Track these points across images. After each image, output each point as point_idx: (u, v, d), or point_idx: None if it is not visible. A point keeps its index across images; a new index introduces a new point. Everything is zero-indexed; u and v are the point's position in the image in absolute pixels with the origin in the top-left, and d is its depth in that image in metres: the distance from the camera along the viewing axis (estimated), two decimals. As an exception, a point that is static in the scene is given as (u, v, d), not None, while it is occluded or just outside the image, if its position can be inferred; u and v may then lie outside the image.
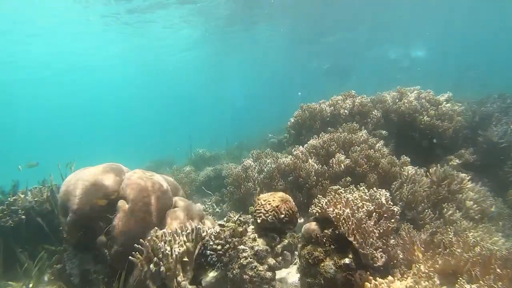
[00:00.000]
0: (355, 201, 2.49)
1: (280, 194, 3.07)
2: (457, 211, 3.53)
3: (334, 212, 2.40)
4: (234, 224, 3.39)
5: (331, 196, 2.65)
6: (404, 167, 4.09)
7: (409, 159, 4.25)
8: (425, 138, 4.79)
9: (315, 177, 4.23)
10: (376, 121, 5.12)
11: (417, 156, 4.63)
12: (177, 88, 42.49)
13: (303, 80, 35.69)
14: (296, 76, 36.34)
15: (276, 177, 4.90)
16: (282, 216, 2.90)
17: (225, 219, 3.81)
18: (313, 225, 2.55)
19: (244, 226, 3.43)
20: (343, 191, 2.73)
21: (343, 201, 2.53)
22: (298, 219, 3.35)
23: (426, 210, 3.49)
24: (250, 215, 3.71)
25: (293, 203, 3.06)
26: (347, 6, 16.03)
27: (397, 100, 5.19)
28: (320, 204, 2.57)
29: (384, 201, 2.52)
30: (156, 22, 16.69)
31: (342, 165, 4.18)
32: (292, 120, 5.96)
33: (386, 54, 24.94)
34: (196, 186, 8.17)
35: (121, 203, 3.09)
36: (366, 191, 2.73)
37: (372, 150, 4.34)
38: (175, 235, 2.79)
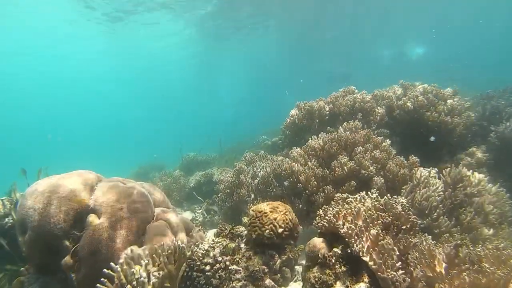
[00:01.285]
0: (369, 212, 2.11)
1: (278, 204, 2.69)
2: (476, 216, 3.20)
3: (345, 226, 2.02)
4: (225, 239, 2.99)
5: (339, 207, 2.27)
6: (414, 168, 3.74)
7: (418, 160, 3.91)
8: (433, 135, 4.47)
9: (315, 182, 3.85)
10: (380, 119, 4.79)
11: (424, 155, 4.30)
12: (169, 91, 41.88)
13: (299, 80, 35.54)
14: (291, 77, 36.12)
15: (272, 183, 4.52)
16: (281, 230, 2.51)
17: (215, 231, 3.41)
18: (319, 242, 2.16)
19: (237, 241, 3.04)
20: (352, 200, 2.35)
21: (353, 212, 2.15)
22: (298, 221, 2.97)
23: (442, 217, 3.14)
24: (243, 227, 3.32)
25: (293, 214, 2.68)
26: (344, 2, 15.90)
27: (401, 96, 4.86)
28: (327, 217, 2.19)
29: (401, 210, 2.15)
30: (143, 22, 16.28)
31: (345, 168, 3.82)
32: (288, 120, 5.60)
33: (383, 52, 24.98)
34: (186, 192, 7.74)
35: (92, 218, 2.66)
36: (380, 198, 2.36)
37: (377, 150, 3.99)
38: (154, 255, 2.37)
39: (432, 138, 4.47)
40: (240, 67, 30.91)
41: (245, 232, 3.00)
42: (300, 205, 4.04)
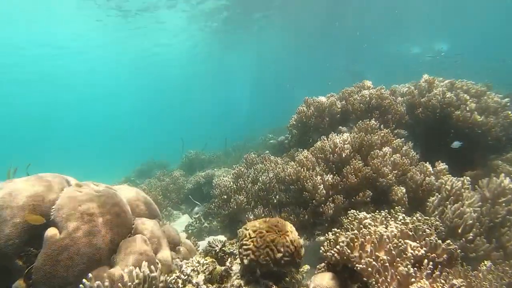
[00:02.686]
0: (394, 240, 1.60)
1: (276, 221, 2.20)
2: (521, 239, 2.65)
3: (363, 260, 1.52)
4: (213, 260, 2.52)
5: (355, 231, 1.77)
6: (442, 177, 3.20)
7: (446, 167, 3.37)
8: (462, 138, 3.90)
9: (324, 191, 3.35)
10: (399, 118, 4.24)
11: (452, 161, 3.73)
12: (176, 88, 41.65)
13: (310, 77, 34.79)
14: (302, 74, 35.41)
15: (274, 189, 4.04)
16: (280, 255, 2.03)
17: (204, 247, 2.95)
18: (327, 280, 1.67)
19: (229, 261, 2.57)
20: (372, 223, 1.85)
21: (374, 240, 1.64)
22: (301, 242, 2.48)
23: (479, 238, 2.60)
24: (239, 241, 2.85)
25: (295, 234, 2.18)
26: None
27: (425, 92, 4.30)
28: (339, 246, 1.69)
29: (437, 240, 1.63)
30: (152, 19, 15.97)
31: (359, 174, 3.30)
32: (295, 118, 5.09)
33: (408, 48, 24.10)
34: (184, 193, 7.32)
35: (51, 232, 2.23)
36: (406, 219, 1.84)
37: (397, 154, 3.46)
38: (120, 285, 1.92)
39: (456, 144, 3.88)
40: (249, 64, 30.34)
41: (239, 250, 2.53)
42: (306, 216, 3.55)
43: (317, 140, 4.75)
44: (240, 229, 2.29)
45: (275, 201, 4.11)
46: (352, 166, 3.40)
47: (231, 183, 4.22)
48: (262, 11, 16.55)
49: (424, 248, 1.59)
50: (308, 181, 3.49)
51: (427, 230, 1.72)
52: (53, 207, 2.35)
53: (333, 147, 3.64)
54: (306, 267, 2.58)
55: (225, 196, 4.12)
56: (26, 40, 15.83)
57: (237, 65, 29.57)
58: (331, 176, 3.46)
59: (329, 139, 3.91)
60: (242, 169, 4.33)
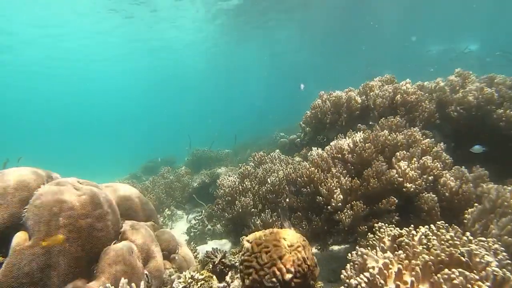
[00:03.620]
0: (442, 266, 1.20)
1: (285, 232, 1.82)
2: None
3: (404, 299, 1.13)
4: (210, 275, 2.16)
5: (387, 254, 1.37)
6: (482, 184, 2.75)
7: (487, 172, 2.91)
8: (502, 140, 3.42)
9: (341, 196, 2.94)
10: (428, 116, 3.78)
11: (489, 167, 3.27)
12: (186, 84, 41.61)
13: (325, 75, 34.12)
14: (318, 71, 34.75)
15: (283, 191, 3.65)
16: (289, 276, 1.65)
17: (202, 257, 2.59)
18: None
19: (229, 277, 2.22)
20: (409, 242, 1.45)
21: (415, 267, 1.24)
22: (312, 250, 2.10)
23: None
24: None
25: (310, 250, 1.80)
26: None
27: (458, 88, 3.82)
28: (368, 273, 1.30)
29: (505, 273, 1.22)
30: (163, 14, 15.80)
31: (383, 178, 2.88)
32: (309, 114, 4.69)
33: (429, 48, 23.30)
34: (189, 192, 7.01)
35: (19, 237, 1.92)
36: (455, 239, 1.44)
37: (427, 156, 3.02)
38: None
39: (477, 148, 3.40)
40: (262, 61, 29.91)
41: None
42: (320, 223, 3.16)
43: (333, 139, 4.35)
44: (242, 241, 1.92)
45: (284, 204, 3.74)
46: (374, 169, 2.98)
47: (237, 183, 3.85)
48: (277, 8, 16.19)
49: (487, 284, 1.18)
50: (322, 184, 3.10)
51: (486, 256, 1.31)
52: (25, 207, 2.04)
53: (352, 146, 3.22)
54: (320, 285, 2.20)
55: (229, 198, 3.77)
56: (27, 27, 15.71)
57: (250, 61, 29.14)
58: (349, 179, 3.05)
59: (347, 137, 3.50)
60: (249, 169, 3.96)
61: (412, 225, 1.74)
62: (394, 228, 1.68)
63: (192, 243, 4.08)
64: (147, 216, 3.12)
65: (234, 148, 12.34)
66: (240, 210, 3.66)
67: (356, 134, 3.29)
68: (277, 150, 7.28)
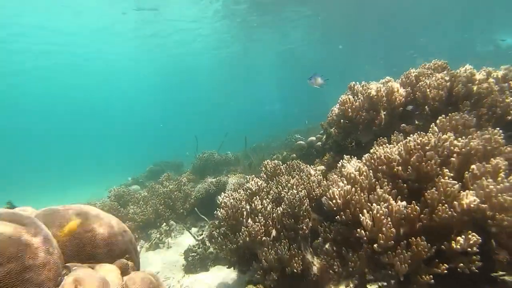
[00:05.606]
0: None
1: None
2: None
3: None
4: None
5: None
6: None
7: None
8: None
9: (393, 229, 2.06)
10: (503, 113, 2.83)
11: None
12: (196, 85, 41.14)
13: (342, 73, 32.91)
14: (334, 71, 33.61)
15: (306, 214, 2.80)
16: None
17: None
18: None
19: None
20: None
21: None
22: None
23: None
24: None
25: None
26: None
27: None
28: None
29: None
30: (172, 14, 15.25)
31: (455, 205, 1.98)
32: (335, 111, 3.80)
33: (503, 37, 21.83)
34: (190, 203, 6.22)
35: None
36: None
37: (521, 172, 2.09)
38: None
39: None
40: (275, 60, 28.98)
41: None
42: (358, 262, 2.28)
43: (367, 143, 3.46)
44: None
45: (306, 231, 2.87)
46: (441, 189, 2.08)
47: (243, 202, 3.01)
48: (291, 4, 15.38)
49: None
50: (363, 210, 2.22)
51: None
52: None
53: (405, 155, 2.33)
54: None
55: (234, 222, 2.93)
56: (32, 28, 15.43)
57: (262, 60, 28.27)
58: (404, 203, 2.16)
59: (394, 142, 2.61)
60: (259, 183, 3.11)
61: None
62: None
63: (184, 276, 3.26)
64: (121, 251, 2.33)
65: (244, 152, 11.52)
66: (248, 239, 2.81)
67: (410, 138, 2.38)
68: (293, 155, 6.41)
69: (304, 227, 2.84)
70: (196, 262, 4.24)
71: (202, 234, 4.71)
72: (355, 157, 3.00)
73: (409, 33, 22.03)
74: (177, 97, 50.26)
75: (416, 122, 3.44)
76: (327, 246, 2.72)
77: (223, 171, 8.62)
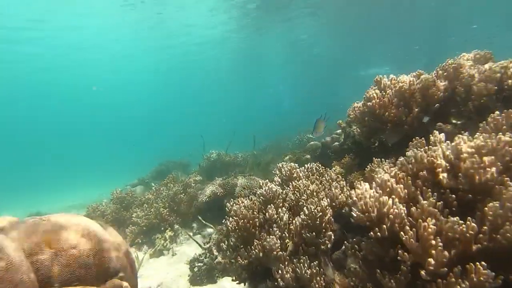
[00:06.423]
0: None
1: None
2: None
3: None
4: None
5: None
6: None
7: None
8: None
9: (445, 253, 1.67)
10: None
11: None
12: (204, 82, 40.91)
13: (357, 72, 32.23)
14: (346, 68, 32.96)
15: (328, 226, 2.43)
16: None
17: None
18: None
19: None
20: None
21: None
22: None
23: None
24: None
25: None
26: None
27: None
28: None
29: None
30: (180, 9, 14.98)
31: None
32: (359, 107, 3.40)
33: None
34: (197, 207, 5.89)
35: None
36: None
37: None
38: None
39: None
40: (285, 55, 28.49)
41: None
42: (395, 285, 1.89)
43: (396, 145, 3.07)
44: None
45: (329, 246, 2.49)
46: (507, 204, 1.67)
47: (256, 211, 2.65)
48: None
49: None
50: (402, 226, 1.84)
51: None
52: None
53: (455, 160, 1.93)
54: None
55: (245, 233, 2.57)
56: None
57: (272, 55, 27.81)
58: (456, 219, 1.76)
59: (438, 143, 2.21)
60: (274, 189, 2.74)
61: None
62: None
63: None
64: (114, 269, 2.00)
65: (253, 151, 11.16)
66: (261, 254, 2.45)
67: (461, 140, 1.98)
68: (307, 156, 6.03)
69: (327, 241, 2.47)
70: (202, 273, 3.91)
71: (209, 242, 4.37)
72: (385, 160, 2.61)
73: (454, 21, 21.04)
74: (184, 95, 50.21)
75: (454, 121, 3.03)
76: (354, 265, 2.35)
77: (232, 172, 8.29)
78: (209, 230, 5.34)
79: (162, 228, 5.45)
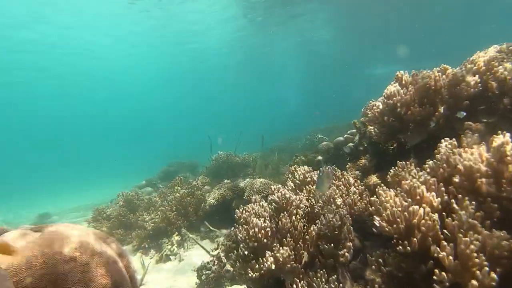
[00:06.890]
0: None
1: None
2: None
3: None
4: None
5: None
6: None
7: None
8: None
9: (493, 276, 1.43)
10: None
11: None
12: (213, 81, 40.82)
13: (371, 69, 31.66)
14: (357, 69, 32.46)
15: (348, 236, 2.21)
16: None
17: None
18: None
19: None
20: None
21: None
22: None
23: None
24: None
25: None
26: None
27: None
28: None
29: None
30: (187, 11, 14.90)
31: None
32: (379, 105, 3.16)
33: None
34: (205, 210, 5.72)
35: None
36: None
37: None
38: None
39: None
40: (296, 53, 28.12)
41: None
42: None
43: (418, 146, 2.83)
44: None
45: (348, 258, 2.27)
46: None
47: (268, 219, 2.44)
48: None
49: None
50: (441, 240, 1.60)
51: None
52: None
53: (498, 165, 1.68)
54: None
55: (256, 244, 2.36)
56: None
57: (282, 53, 27.47)
58: (503, 233, 1.52)
59: (475, 146, 1.96)
60: (287, 195, 2.52)
61: None
62: None
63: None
64: (116, 283, 1.81)
65: (262, 153, 10.94)
66: (274, 267, 2.24)
67: (497, 139, 1.74)
68: (319, 157, 5.78)
69: (346, 253, 2.24)
70: (210, 282, 3.72)
71: (217, 249, 4.18)
72: (411, 163, 2.37)
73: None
74: (193, 95, 50.22)
75: (484, 119, 2.76)
76: (374, 277, 2.12)
77: (240, 174, 8.10)
78: (217, 234, 5.15)
79: (169, 232, 5.28)
